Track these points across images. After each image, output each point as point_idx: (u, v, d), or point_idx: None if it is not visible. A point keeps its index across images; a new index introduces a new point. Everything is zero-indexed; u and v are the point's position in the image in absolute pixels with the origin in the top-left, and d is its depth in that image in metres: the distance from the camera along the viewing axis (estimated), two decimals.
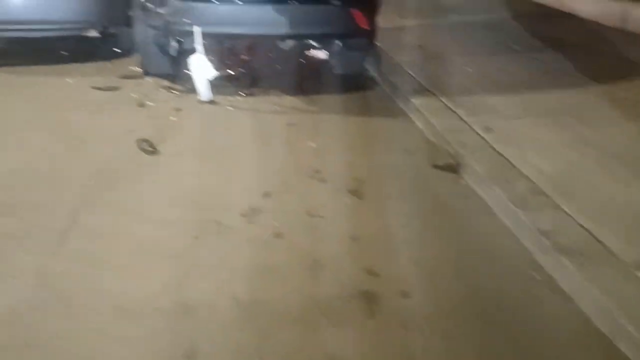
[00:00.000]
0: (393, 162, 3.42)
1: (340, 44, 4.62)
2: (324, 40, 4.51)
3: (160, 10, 4.20)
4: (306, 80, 4.97)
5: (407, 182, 3.17)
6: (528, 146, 3.22)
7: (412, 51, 5.28)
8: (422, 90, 4.24)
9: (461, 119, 3.66)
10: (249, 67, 5.12)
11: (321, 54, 5.53)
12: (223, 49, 4.79)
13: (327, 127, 4.00)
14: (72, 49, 5.52)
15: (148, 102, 4.33)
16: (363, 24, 4.15)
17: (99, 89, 4.60)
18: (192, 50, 4.59)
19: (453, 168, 3.23)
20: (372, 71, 5.05)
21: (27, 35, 5.18)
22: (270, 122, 4.09)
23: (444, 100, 4.00)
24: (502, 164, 3.06)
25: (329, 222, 2.74)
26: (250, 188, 3.06)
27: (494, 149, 3.23)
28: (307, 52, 5.52)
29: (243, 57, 5.28)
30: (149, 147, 3.52)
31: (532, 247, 2.48)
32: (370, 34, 4.35)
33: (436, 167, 3.28)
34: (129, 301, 2.17)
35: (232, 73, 4.82)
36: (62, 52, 5.50)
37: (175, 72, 4.85)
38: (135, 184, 3.08)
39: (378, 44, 4.83)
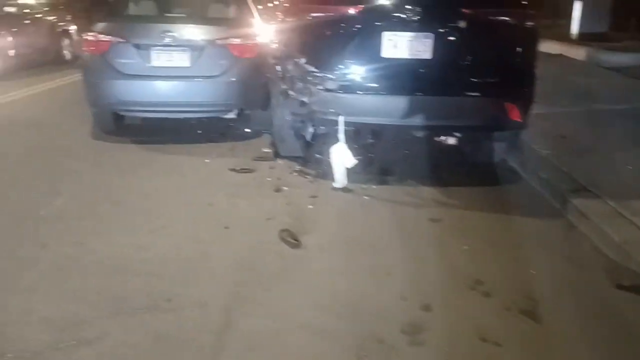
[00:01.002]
0: (565, 277, 3.01)
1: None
2: (472, 132, 4.30)
3: (304, 99, 4.22)
4: (440, 169, 4.75)
5: (590, 304, 2.74)
6: None
7: (556, 142, 4.91)
8: (582, 190, 3.83)
9: None
10: (380, 153, 5.01)
11: (451, 140, 5.32)
12: (358, 136, 4.72)
13: (475, 225, 3.69)
14: (206, 128, 5.77)
15: (283, 187, 4.29)
16: (516, 116, 3.90)
17: (236, 170, 4.66)
18: (327, 135, 4.58)
19: None
20: (512, 162, 4.74)
21: (171, 116, 5.48)
22: (411, 216, 3.85)
23: (611, 203, 3.56)
24: None
25: (507, 352, 2.37)
26: (406, 297, 2.79)
27: None
28: (436, 138, 5.35)
29: (375, 143, 5.20)
30: (292, 239, 3.39)
31: None
32: (522, 127, 4.08)
33: (620, 287, 2.83)
34: None
35: (365, 160, 4.71)
36: (198, 131, 5.76)
37: (307, 156, 4.85)
38: (284, 283, 2.92)
39: None
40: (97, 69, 5.13)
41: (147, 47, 5.01)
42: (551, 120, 5.58)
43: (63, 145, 5.35)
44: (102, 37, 5.07)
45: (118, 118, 5.56)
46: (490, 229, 3.63)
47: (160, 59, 5.02)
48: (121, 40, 5.04)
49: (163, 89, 5.11)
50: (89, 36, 5.19)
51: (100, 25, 5.19)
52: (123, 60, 5.02)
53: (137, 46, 5.02)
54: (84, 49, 5.37)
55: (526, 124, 4.08)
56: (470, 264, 3.15)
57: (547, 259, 3.23)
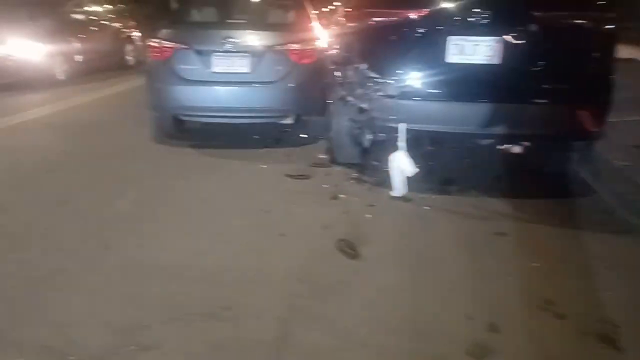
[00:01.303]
0: None
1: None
2: (542, 142, 4.07)
3: (363, 105, 4.13)
4: (505, 179, 4.53)
5: None
6: None
7: (631, 152, 4.58)
8: None
9: None
10: (441, 162, 4.85)
11: (516, 148, 5.07)
12: (419, 143, 4.59)
13: (543, 240, 3.48)
14: (262, 133, 5.78)
15: (340, 195, 4.22)
16: (591, 125, 3.65)
17: (292, 176, 4.63)
18: (386, 142, 4.46)
19: None
20: (582, 173, 4.46)
21: (230, 121, 5.52)
22: (474, 228, 3.67)
23: None
24: None
25: None
26: (471, 315, 2.64)
27: None
28: (500, 146, 5.11)
29: (436, 151, 5.03)
30: (349, 250, 3.30)
31: None
32: (597, 137, 3.82)
33: None
34: None
35: (426, 168, 4.56)
36: (254, 137, 5.78)
37: (364, 163, 4.76)
38: (341, 295, 2.83)
39: None
40: (160, 75, 5.24)
41: (209, 54, 5.08)
42: (625, 130, 5.21)
43: (125, 148, 5.50)
44: (166, 44, 5.18)
45: (178, 122, 5.65)
46: (561, 245, 3.41)
47: (220, 65, 5.08)
48: (183, 46, 5.13)
49: (223, 95, 5.16)
50: (153, 42, 5.31)
51: (164, 32, 5.30)
52: (185, 66, 5.11)
53: (199, 52, 5.10)
54: (148, 55, 5.50)
55: (602, 133, 3.81)
56: (540, 282, 2.96)
57: (624, 279, 2.99)
